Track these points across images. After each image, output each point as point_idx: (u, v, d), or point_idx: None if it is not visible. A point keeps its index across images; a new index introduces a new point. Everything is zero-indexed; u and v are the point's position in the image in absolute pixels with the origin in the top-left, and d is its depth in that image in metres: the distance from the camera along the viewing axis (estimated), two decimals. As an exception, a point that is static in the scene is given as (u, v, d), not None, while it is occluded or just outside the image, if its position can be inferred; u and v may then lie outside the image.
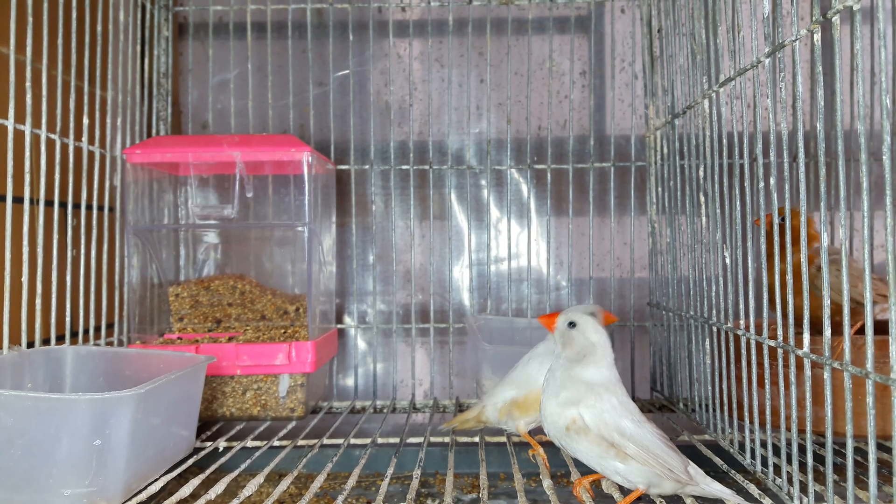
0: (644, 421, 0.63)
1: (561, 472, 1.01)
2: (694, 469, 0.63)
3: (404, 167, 1.15)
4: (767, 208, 0.65)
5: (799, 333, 0.66)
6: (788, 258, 0.54)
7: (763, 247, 0.64)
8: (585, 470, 0.75)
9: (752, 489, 0.66)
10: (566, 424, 0.63)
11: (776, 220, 0.59)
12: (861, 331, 0.82)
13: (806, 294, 0.56)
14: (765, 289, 0.64)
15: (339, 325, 1.16)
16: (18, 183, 0.76)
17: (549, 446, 0.85)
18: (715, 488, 0.62)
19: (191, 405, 0.74)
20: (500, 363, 0.90)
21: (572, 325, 0.67)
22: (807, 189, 1.09)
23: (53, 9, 0.82)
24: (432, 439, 0.87)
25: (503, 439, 0.87)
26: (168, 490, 0.70)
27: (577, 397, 0.63)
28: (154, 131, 1.12)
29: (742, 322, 0.70)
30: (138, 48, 1.06)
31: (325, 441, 0.86)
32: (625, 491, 0.68)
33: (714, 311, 0.78)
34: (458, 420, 0.85)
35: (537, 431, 0.84)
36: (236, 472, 0.72)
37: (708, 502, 0.67)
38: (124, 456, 0.59)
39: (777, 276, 0.61)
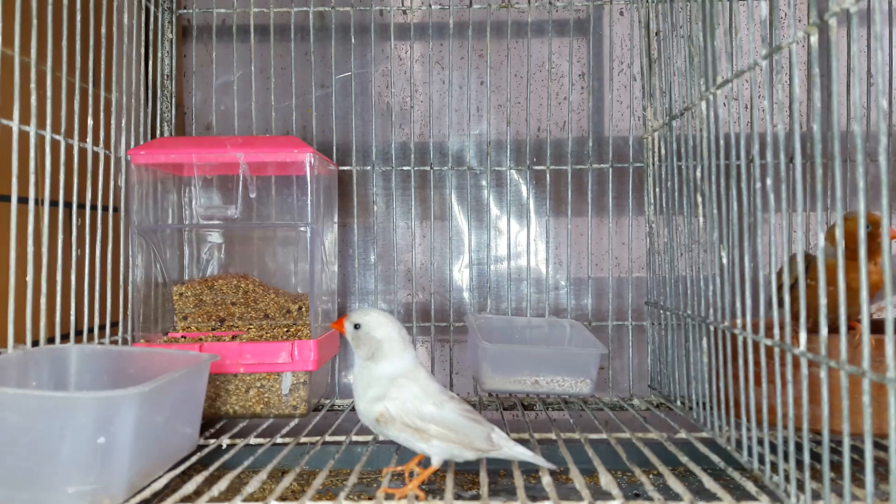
0: (447, 400, 0.68)
1: (560, 469, 1.02)
2: (497, 435, 0.68)
3: (405, 168, 1.16)
4: (764, 209, 0.65)
5: (795, 332, 0.66)
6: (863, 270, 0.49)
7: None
8: (584, 470, 0.75)
9: (750, 486, 0.66)
10: (376, 417, 0.69)
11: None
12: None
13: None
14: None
15: (340, 325, 1.17)
16: (23, 183, 0.77)
17: (544, 444, 0.86)
18: (517, 451, 0.68)
19: (194, 403, 0.75)
20: (499, 362, 0.91)
21: (357, 326, 0.71)
22: (803, 190, 1.09)
23: (58, 11, 0.83)
24: (433, 437, 0.87)
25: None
26: (171, 487, 0.70)
27: (382, 393, 0.69)
28: (158, 132, 1.12)
29: (739, 321, 0.71)
30: (142, 50, 1.07)
31: (328, 438, 0.86)
32: (623, 488, 0.68)
33: (711, 311, 0.79)
34: None
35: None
36: (239, 469, 0.73)
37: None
38: (128, 454, 0.60)
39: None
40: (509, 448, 0.68)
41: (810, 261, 0.85)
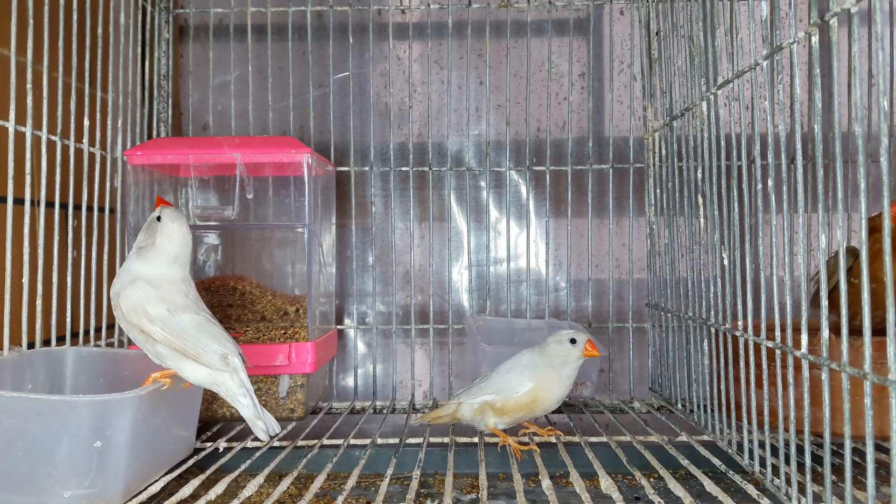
0: (189, 312, 0.68)
1: (560, 472, 1.01)
2: (237, 362, 0.68)
3: (404, 169, 1.15)
4: (766, 210, 0.65)
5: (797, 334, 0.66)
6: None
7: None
8: (584, 473, 0.75)
9: (751, 489, 0.66)
10: (114, 309, 0.69)
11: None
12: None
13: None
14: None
15: (338, 326, 1.16)
16: (19, 184, 0.76)
17: (544, 447, 0.86)
18: (242, 398, 0.68)
19: (191, 406, 0.75)
20: (498, 364, 0.91)
21: (158, 219, 0.72)
22: (805, 191, 1.09)
23: (54, 11, 0.82)
24: (431, 440, 0.87)
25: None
26: (168, 490, 0.70)
27: (119, 289, 0.69)
28: (154, 133, 1.12)
29: (740, 323, 0.71)
30: (139, 50, 1.06)
31: (325, 441, 0.86)
32: (623, 491, 0.68)
33: (712, 312, 0.78)
34: (431, 416, 0.88)
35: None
36: (236, 473, 0.72)
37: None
38: (125, 457, 0.60)
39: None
40: (240, 381, 0.68)
41: (855, 257, 0.82)
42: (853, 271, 0.79)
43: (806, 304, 0.82)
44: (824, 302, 0.58)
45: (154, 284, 0.69)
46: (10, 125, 0.74)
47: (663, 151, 1.01)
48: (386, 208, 1.18)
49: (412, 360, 1.16)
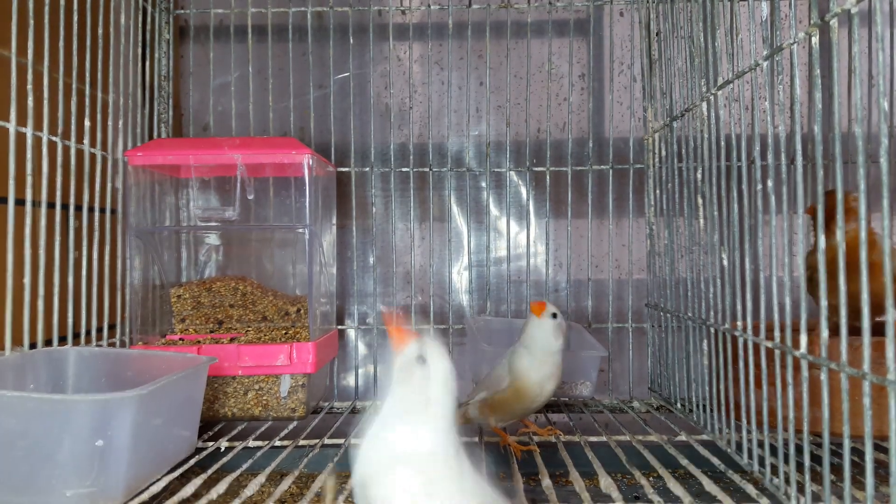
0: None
1: (560, 472, 1.02)
2: None
3: (404, 169, 1.15)
4: (765, 211, 0.65)
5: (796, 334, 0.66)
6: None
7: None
8: (584, 472, 0.75)
9: (750, 489, 0.66)
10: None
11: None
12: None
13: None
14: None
15: (339, 327, 1.16)
16: (20, 185, 0.76)
17: (544, 447, 0.86)
18: None
19: (193, 406, 0.75)
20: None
21: (422, 360, 0.48)
22: (804, 191, 1.09)
23: (55, 12, 0.82)
24: (432, 440, 0.87)
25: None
26: (170, 490, 0.70)
27: (371, 474, 0.47)
28: (155, 134, 1.12)
29: (739, 323, 0.71)
30: (139, 51, 1.07)
31: (326, 441, 0.86)
32: (623, 490, 0.68)
33: (712, 313, 0.78)
34: None
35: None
36: (238, 472, 0.73)
37: None
38: (126, 456, 0.60)
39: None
40: None
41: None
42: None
43: (804, 303, 0.82)
44: (824, 302, 0.58)
45: (422, 465, 0.46)
46: (11, 126, 0.74)
47: (663, 152, 1.01)
48: (386, 209, 1.19)
49: (412, 360, 1.16)
